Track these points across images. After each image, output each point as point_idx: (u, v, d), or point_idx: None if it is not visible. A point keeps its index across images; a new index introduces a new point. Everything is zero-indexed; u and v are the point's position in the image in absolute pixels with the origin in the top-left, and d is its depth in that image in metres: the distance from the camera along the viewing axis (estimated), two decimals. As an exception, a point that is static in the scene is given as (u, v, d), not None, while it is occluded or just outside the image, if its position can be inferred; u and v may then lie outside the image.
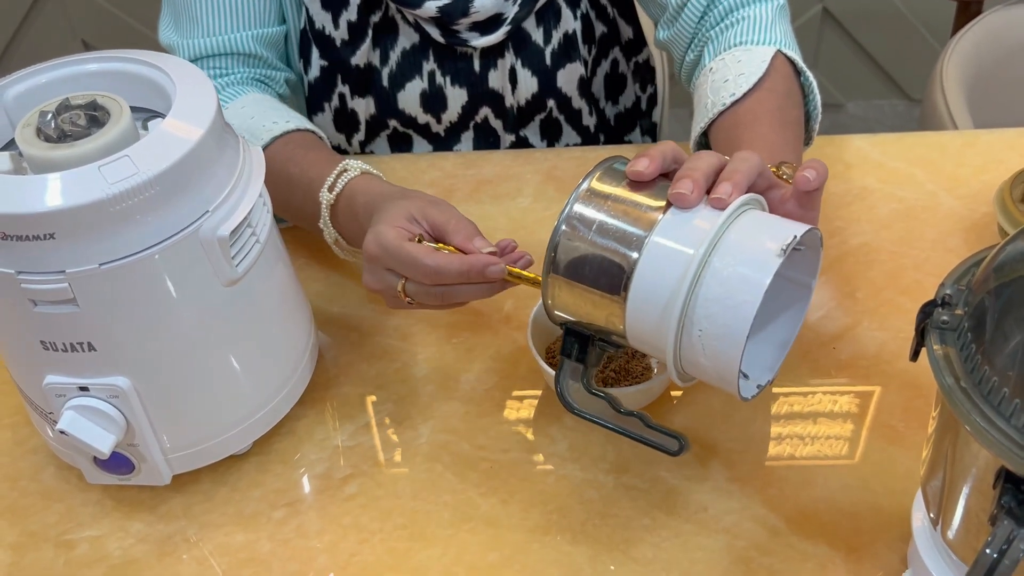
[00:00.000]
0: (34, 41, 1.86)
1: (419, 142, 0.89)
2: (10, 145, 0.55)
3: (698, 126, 0.73)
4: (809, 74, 0.76)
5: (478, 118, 0.88)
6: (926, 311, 0.43)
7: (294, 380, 0.63)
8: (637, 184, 0.53)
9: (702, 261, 0.48)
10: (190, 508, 0.60)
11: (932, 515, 0.48)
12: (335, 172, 0.66)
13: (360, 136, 0.88)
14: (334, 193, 0.65)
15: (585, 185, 0.52)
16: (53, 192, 0.48)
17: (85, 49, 1.82)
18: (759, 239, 0.49)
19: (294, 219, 0.73)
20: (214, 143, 0.53)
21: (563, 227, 0.52)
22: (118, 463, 0.57)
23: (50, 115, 0.52)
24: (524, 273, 0.58)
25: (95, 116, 0.53)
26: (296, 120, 0.73)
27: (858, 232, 0.76)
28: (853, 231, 0.76)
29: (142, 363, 0.54)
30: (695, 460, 0.61)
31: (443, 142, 0.89)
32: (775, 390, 0.65)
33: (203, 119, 0.53)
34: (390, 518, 0.59)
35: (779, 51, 0.74)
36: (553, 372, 0.60)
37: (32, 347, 0.53)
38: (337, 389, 0.67)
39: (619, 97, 0.96)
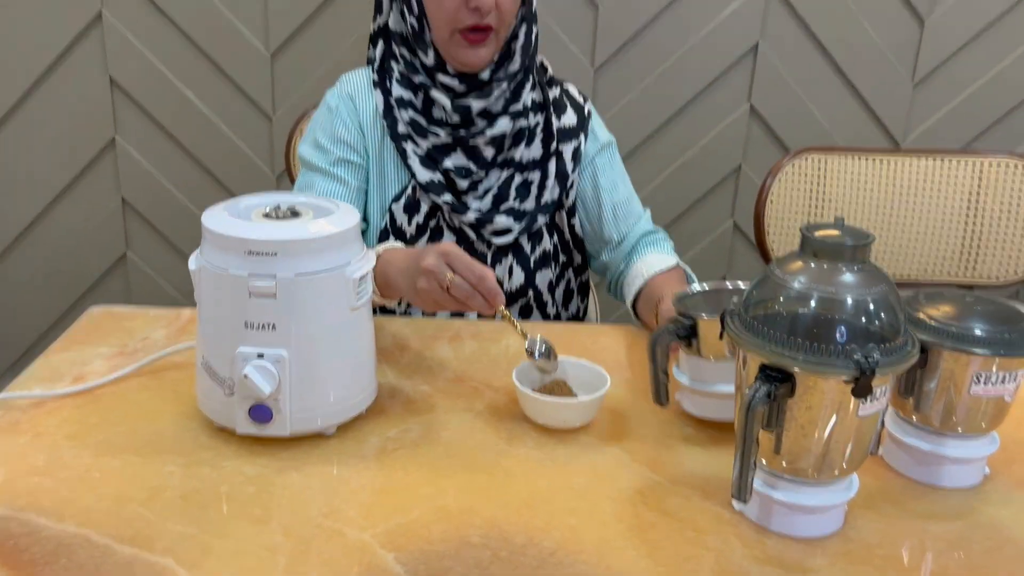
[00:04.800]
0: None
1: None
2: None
3: (630, 295, 1.28)
4: (696, 281, 1.27)
5: None
6: (726, 310, 0.86)
7: (366, 394, 1.01)
8: None
9: None
10: (296, 456, 0.95)
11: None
12: (377, 247, 1.15)
13: (392, 304, 1.33)
14: (384, 248, 1.14)
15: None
16: (281, 232, 0.91)
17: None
18: None
19: None
20: (355, 232, 0.97)
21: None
22: (262, 413, 0.94)
23: (271, 208, 0.97)
24: (506, 314, 1.05)
25: (296, 211, 0.97)
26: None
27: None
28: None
29: (297, 343, 0.93)
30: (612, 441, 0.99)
31: (458, 312, 1.34)
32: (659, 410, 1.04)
33: (353, 221, 0.97)
34: (415, 471, 0.95)
35: (678, 264, 1.27)
36: (528, 392, 1.01)
37: (237, 326, 0.92)
38: (389, 411, 1.05)
39: (569, 305, 1.44)
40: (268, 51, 2.20)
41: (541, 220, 1.34)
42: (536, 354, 1.06)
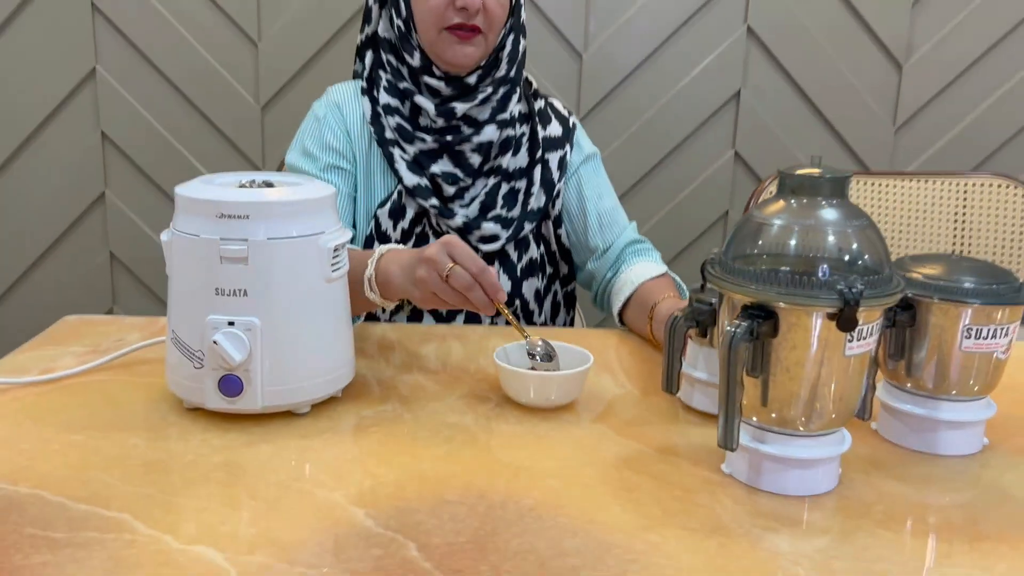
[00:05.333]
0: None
1: (427, 317, 1.32)
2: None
3: (618, 303, 1.26)
4: (686, 289, 1.25)
5: None
6: (706, 260, 0.85)
7: (342, 373, 0.98)
8: None
9: None
10: (267, 432, 0.91)
11: (725, 392, 0.84)
12: (382, 248, 1.12)
13: (391, 307, 1.30)
14: (388, 248, 1.11)
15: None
16: (253, 196, 0.90)
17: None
18: None
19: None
20: (330, 203, 0.96)
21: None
22: (232, 384, 0.90)
23: (246, 180, 0.96)
24: (507, 313, 1.02)
25: (270, 184, 0.96)
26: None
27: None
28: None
29: (269, 311, 0.90)
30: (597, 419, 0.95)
31: (445, 319, 1.32)
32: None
33: (328, 191, 0.96)
34: (391, 443, 0.91)
35: (667, 272, 1.25)
36: (509, 367, 0.98)
37: (208, 293, 0.90)
38: (367, 394, 1.01)
39: (556, 318, 1.41)
40: (259, 104, 2.23)
41: (528, 227, 1.33)
42: (538, 357, 1.04)
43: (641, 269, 1.30)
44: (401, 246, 1.15)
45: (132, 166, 2.26)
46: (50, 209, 2.28)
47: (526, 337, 1.05)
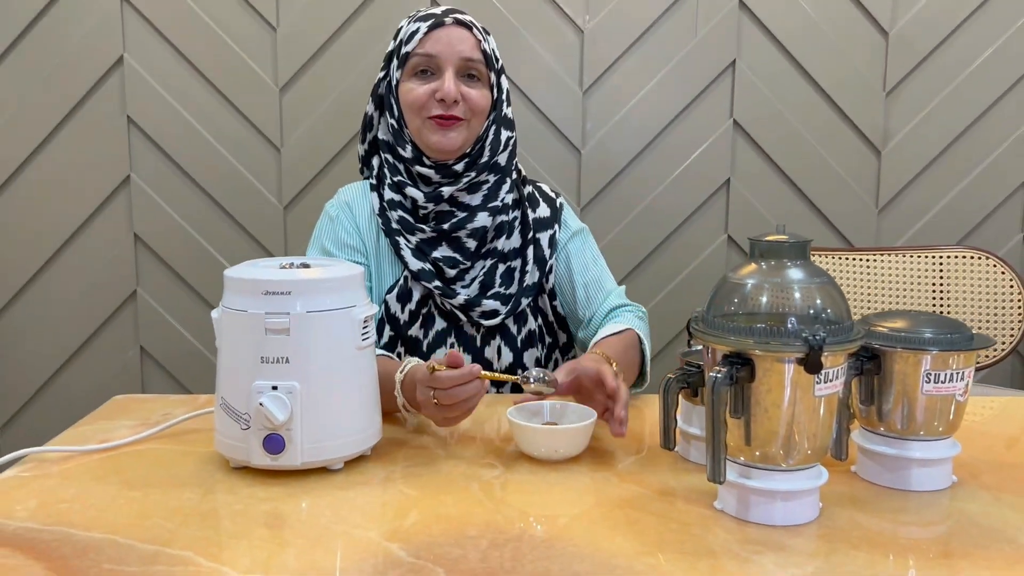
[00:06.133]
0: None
1: None
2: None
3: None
4: (647, 346, 1.37)
5: None
6: (691, 317, 0.96)
7: (371, 432, 1.09)
8: None
9: None
10: (306, 485, 1.02)
11: (714, 435, 0.94)
12: (404, 364, 1.20)
13: None
14: (403, 372, 1.19)
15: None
16: (293, 275, 1.03)
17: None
18: None
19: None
20: (359, 281, 1.09)
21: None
22: (275, 443, 1.01)
23: (286, 263, 1.09)
24: (493, 375, 1.14)
25: (307, 265, 1.09)
26: (379, 350, 1.29)
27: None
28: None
29: (308, 375, 1.02)
30: (604, 459, 1.05)
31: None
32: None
33: (357, 270, 1.09)
34: (416, 491, 1.01)
35: (631, 328, 1.37)
36: (522, 422, 1.09)
37: (254, 361, 1.02)
38: (392, 454, 1.12)
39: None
40: (281, 204, 2.39)
41: (524, 302, 1.46)
42: (532, 380, 1.15)
43: (604, 330, 1.40)
44: (414, 360, 1.21)
45: (163, 265, 2.41)
46: (86, 305, 2.42)
47: (519, 374, 1.17)
